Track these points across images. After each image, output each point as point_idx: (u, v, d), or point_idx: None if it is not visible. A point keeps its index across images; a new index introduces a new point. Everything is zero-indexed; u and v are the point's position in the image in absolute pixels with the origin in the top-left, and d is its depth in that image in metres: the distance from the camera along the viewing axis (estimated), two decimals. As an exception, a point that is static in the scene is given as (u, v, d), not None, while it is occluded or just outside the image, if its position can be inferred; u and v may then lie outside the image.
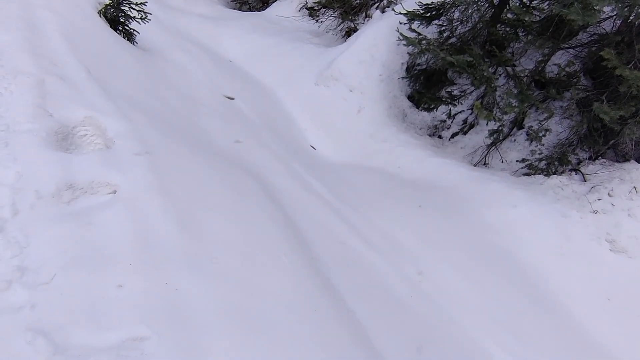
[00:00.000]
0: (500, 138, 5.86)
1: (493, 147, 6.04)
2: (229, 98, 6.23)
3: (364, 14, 9.17)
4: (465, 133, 6.63)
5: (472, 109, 6.69)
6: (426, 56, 6.79)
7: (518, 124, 6.19)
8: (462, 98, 6.52)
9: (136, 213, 2.44)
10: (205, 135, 4.58)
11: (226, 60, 8.20)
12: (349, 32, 9.03)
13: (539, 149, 5.68)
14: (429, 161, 6.04)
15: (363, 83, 7.26)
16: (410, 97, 7.41)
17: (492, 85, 5.68)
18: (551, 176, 5.30)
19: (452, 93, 6.47)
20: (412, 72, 7.26)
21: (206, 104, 5.50)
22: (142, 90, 4.73)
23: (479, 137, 6.50)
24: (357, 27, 8.99)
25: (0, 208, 2.30)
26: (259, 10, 12.04)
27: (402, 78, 7.23)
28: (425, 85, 7.18)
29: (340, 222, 4.15)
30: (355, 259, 3.50)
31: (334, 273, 3.00)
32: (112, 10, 6.02)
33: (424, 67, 7.14)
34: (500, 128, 5.81)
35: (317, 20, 9.78)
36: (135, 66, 5.22)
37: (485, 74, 5.62)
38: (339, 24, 9.33)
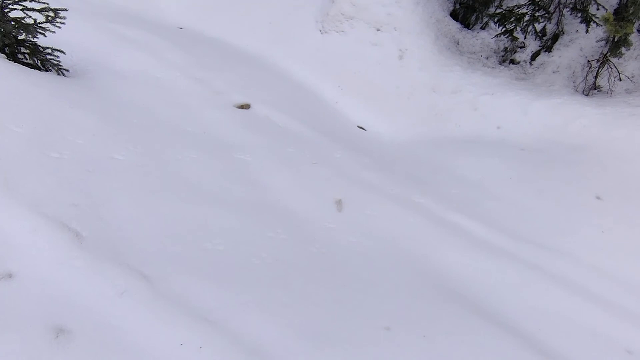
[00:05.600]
0: (624, 52, 4.37)
1: (605, 65, 4.57)
2: (243, 107, 4.09)
3: None
4: (549, 49, 5.03)
5: (547, 14, 4.99)
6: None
7: (625, 21, 4.65)
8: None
9: None
10: (311, 234, 2.72)
11: (176, 30, 5.57)
12: None
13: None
14: (534, 108, 4.52)
15: (393, 13, 5.18)
16: (452, 15, 5.49)
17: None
18: None
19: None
20: (451, -21, 5.24)
21: (239, 143, 3.44)
22: (165, 199, 2.63)
23: (571, 51, 4.95)
24: None
25: None
26: None
27: (441, -9, 5.22)
28: (473, -8, 5.25)
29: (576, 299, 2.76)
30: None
31: None
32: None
33: (465, -34, 5.13)
34: (624, 37, 4.27)
35: None
36: (111, 137, 2.92)
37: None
38: None
